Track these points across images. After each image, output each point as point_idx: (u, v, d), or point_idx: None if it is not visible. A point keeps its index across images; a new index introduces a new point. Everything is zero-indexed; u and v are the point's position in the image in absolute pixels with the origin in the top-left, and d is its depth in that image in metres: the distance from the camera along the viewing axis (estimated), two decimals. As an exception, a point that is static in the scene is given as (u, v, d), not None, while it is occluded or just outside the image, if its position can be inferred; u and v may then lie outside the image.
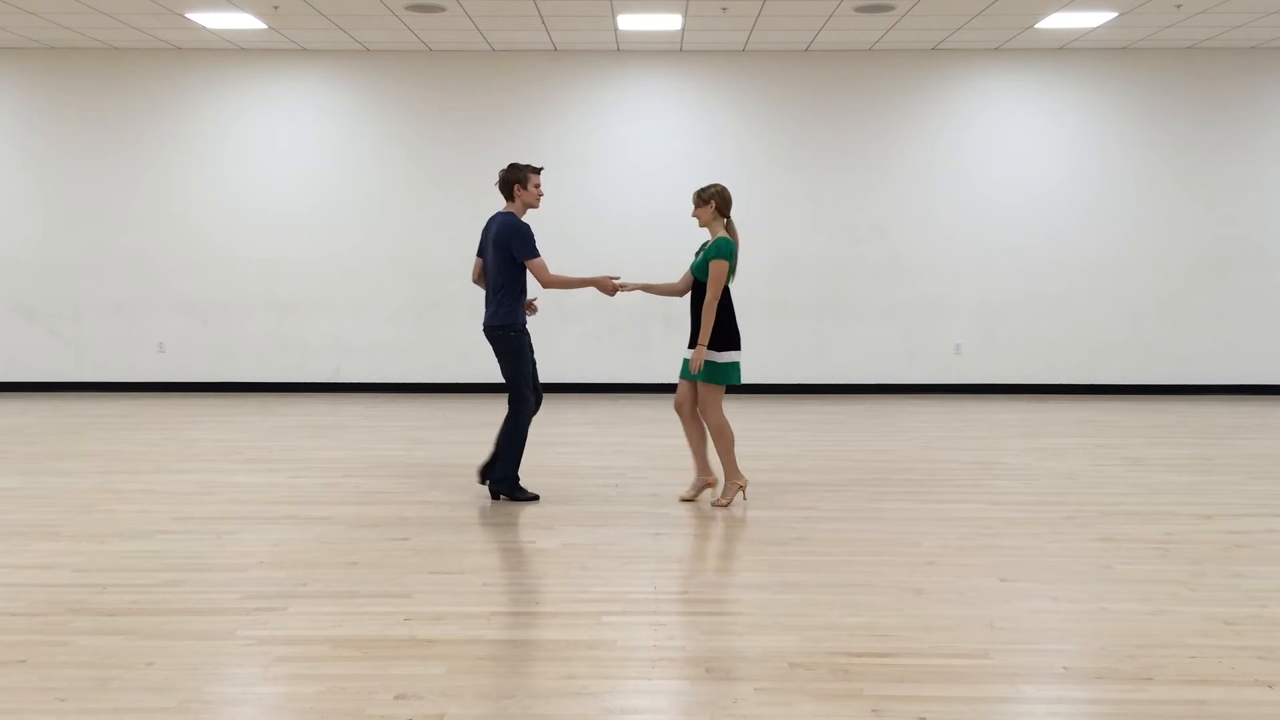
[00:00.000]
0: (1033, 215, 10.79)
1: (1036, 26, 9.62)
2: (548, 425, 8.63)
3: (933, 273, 10.84)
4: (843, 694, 3.42)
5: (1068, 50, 10.58)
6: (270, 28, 9.65)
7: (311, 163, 10.83)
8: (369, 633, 3.96)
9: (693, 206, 5.93)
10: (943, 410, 9.82)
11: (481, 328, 6.12)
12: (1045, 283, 10.83)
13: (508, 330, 5.97)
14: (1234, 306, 10.81)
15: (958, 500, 6.17)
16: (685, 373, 5.90)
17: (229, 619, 4.11)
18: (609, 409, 9.88)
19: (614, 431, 8.66)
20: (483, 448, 7.31)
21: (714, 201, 5.87)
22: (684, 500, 6.11)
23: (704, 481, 6.11)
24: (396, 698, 3.38)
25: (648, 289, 6.21)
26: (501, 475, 6.10)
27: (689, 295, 5.97)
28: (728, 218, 5.92)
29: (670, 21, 9.39)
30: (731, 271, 5.80)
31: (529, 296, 6.10)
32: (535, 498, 6.12)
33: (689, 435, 6.09)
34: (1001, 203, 10.80)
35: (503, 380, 6.11)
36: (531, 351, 6.13)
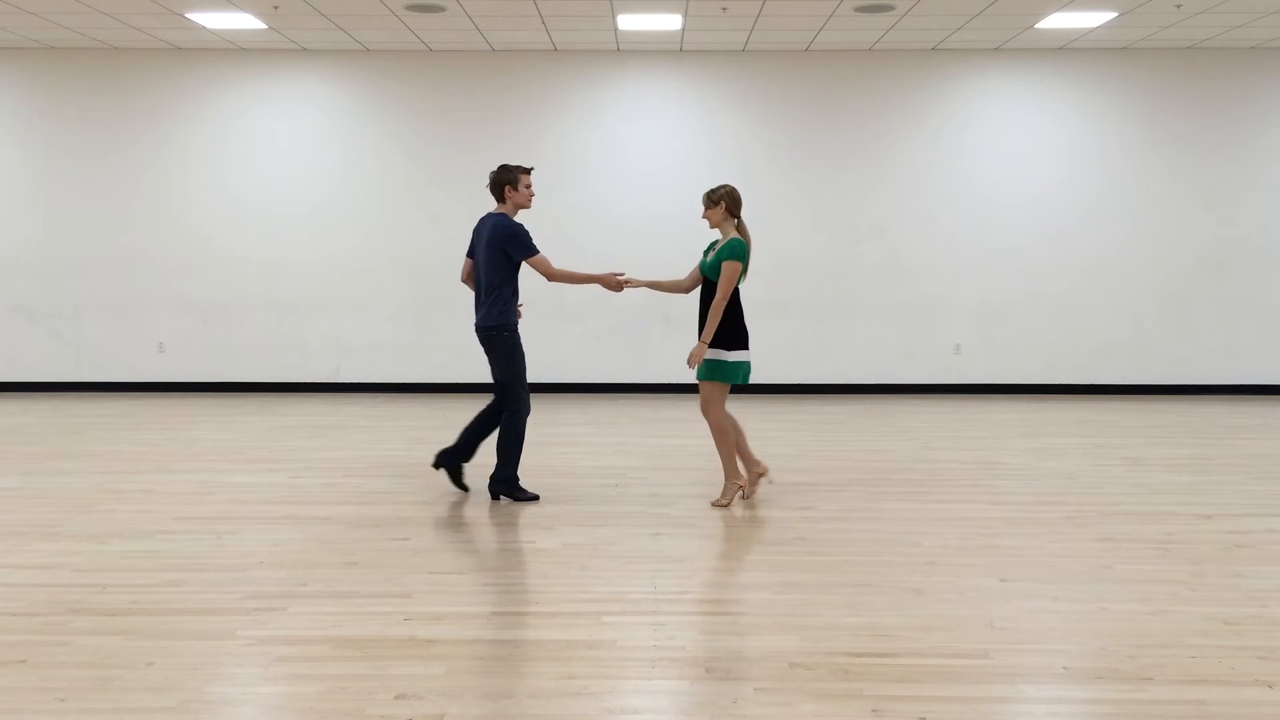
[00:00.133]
0: (1033, 215, 10.79)
1: (1036, 26, 9.62)
2: (547, 425, 8.63)
3: (933, 273, 10.84)
4: (843, 694, 3.42)
5: (1068, 50, 10.58)
6: (270, 28, 9.65)
7: (311, 163, 10.83)
8: (369, 633, 3.96)
9: (703, 208, 5.93)
10: (943, 410, 9.82)
11: (474, 328, 6.12)
12: (1045, 283, 10.82)
13: (501, 330, 5.97)
14: (1234, 306, 10.81)
15: (958, 500, 6.17)
16: (700, 373, 5.89)
17: (229, 619, 4.11)
18: (609, 409, 9.88)
19: (614, 431, 8.66)
20: (484, 447, 7.31)
21: (724, 202, 5.87)
22: (744, 498, 6.11)
23: (756, 474, 6.12)
24: (396, 698, 3.38)
25: (654, 286, 6.22)
26: (501, 476, 6.10)
27: (699, 296, 5.96)
28: (738, 218, 5.93)
29: (670, 21, 9.39)
30: (744, 272, 5.81)
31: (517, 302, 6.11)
32: (535, 498, 6.13)
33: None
34: (1001, 203, 10.79)
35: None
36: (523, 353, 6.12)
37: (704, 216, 5.94)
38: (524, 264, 6.00)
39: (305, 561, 4.89)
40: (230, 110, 10.77)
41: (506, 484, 6.11)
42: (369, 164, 10.83)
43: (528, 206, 6.07)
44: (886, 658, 3.73)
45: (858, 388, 10.94)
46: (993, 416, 9.47)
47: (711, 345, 5.80)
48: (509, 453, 6.08)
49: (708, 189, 5.96)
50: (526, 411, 6.09)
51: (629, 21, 9.39)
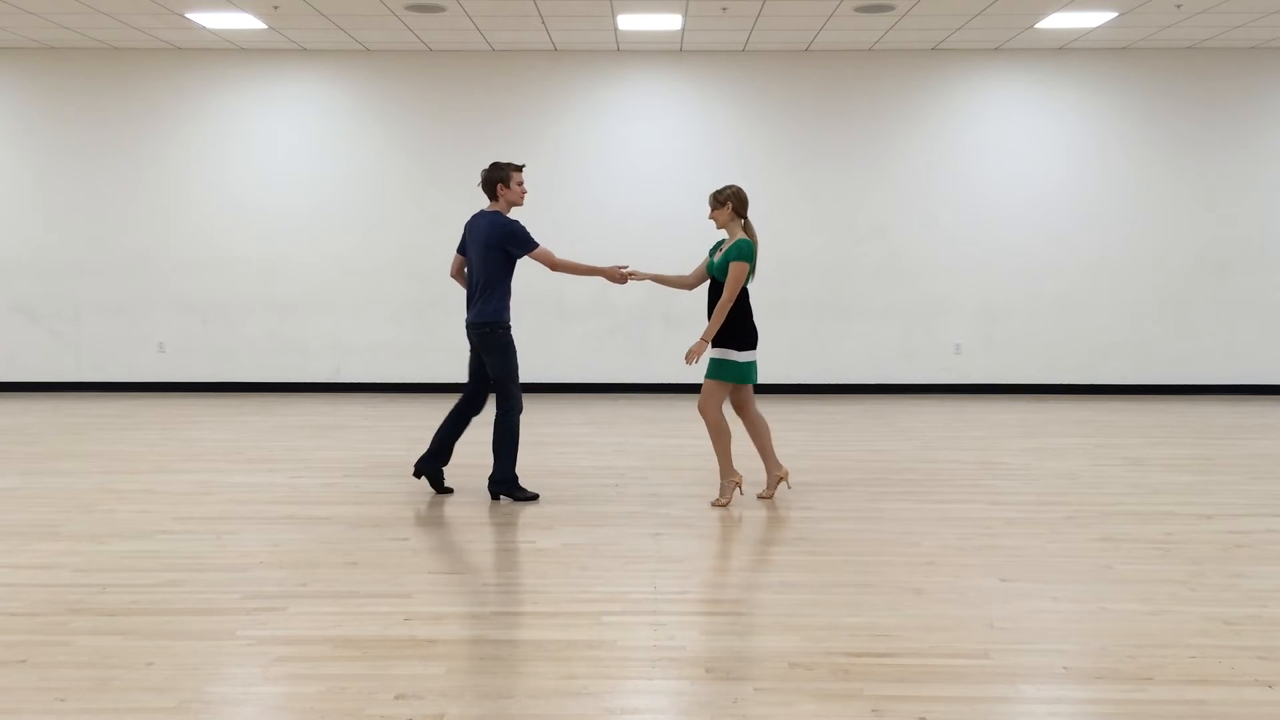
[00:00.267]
0: (1032, 215, 10.79)
1: (1036, 26, 9.62)
2: (547, 425, 8.64)
3: (933, 272, 10.84)
4: (843, 694, 3.42)
5: (1068, 50, 10.58)
6: (270, 28, 9.65)
7: (311, 163, 10.83)
8: (369, 633, 3.96)
9: (709, 209, 5.92)
10: (943, 410, 9.82)
11: (465, 325, 6.11)
12: (1045, 282, 10.82)
13: (495, 327, 5.97)
14: (1234, 306, 10.81)
15: (958, 500, 6.17)
16: (709, 371, 5.88)
17: (229, 619, 4.11)
18: (609, 409, 9.88)
19: (614, 431, 8.66)
20: (483, 448, 7.31)
21: (730, 203, 5.87)
22: (761, 498, 6.13)
23: (776, 477, 6.12)
24: (396, 698, 3.38)
25: (658, 279, 6.21)
26: (500, 476, 6.10)
27: (707, 296, 5.95)
28: (745, 218, 5.93)
29: (670, 21, 9.39)
30: (751, 272, 5.81)
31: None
32: (535, 497, 6.13)
33: (750, 435, 6.09)
34: (1001, 203, 10.79)
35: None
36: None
37: (711, 217, 5.94)
38: (526, 259, 5.99)
39: (305, 561, 4.89)
40: (230, 110, 10.77)
41: (506, 483, 6.10)
42: (369, 164, 10.83)
43: (520, 204, 6.07)
44: (886, 658, 3.73)
45: (858, 388, 10.94)
46: (993, 416, 9.47)
47: (721, 345, 5.81)
48: (506, 451, 6.07)
49: (714, 190, 5.96)
50: (520, 409, 6.08)
51: (629, 21, 9.39)
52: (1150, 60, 10.63)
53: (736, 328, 5.80)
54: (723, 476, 6.01)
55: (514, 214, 6.10)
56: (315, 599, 4.37)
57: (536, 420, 8.27)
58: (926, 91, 10.73)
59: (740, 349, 5.82)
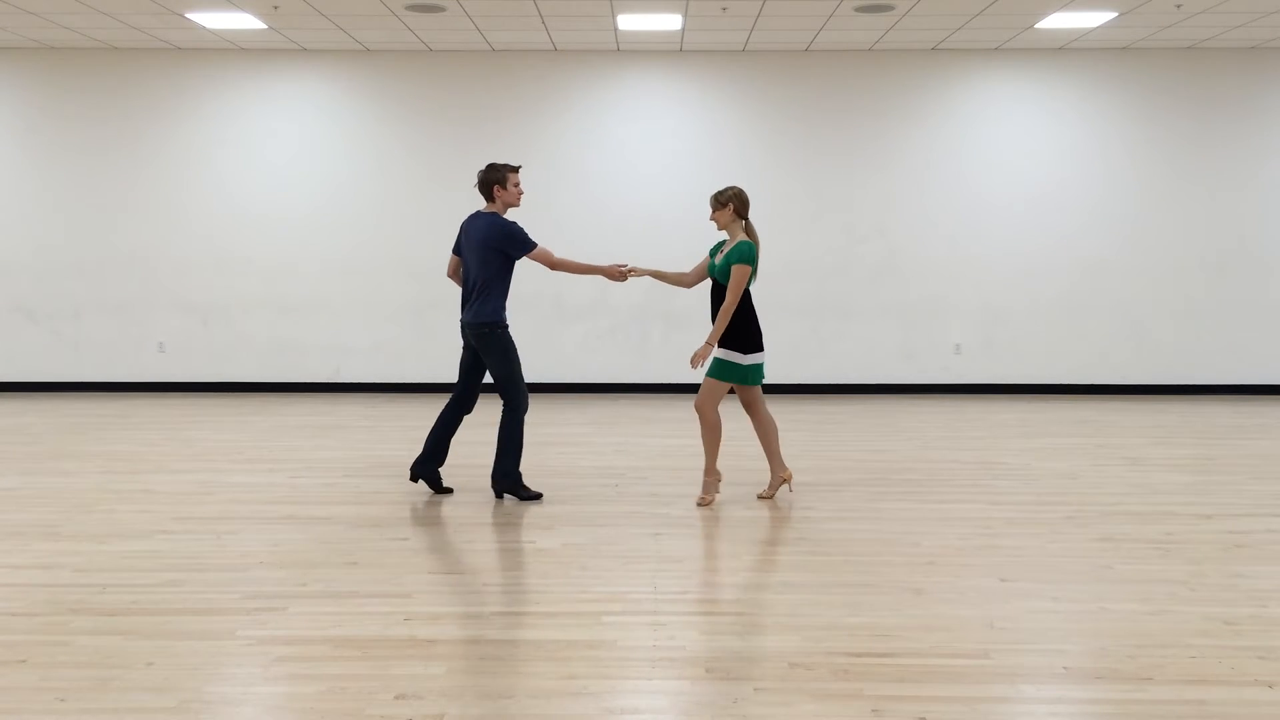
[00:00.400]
0: (1032, 215, 10.79)
1: (1036, 26, 9.62)
2: (547, 425, 8.64)
3: (932, 272, 10.84)
4: (843, 694, 3.42)
5: (1068, 50, 10.58)
6: (270, 28, 9.65)
7: (311, 163, 10.82)
8: (369, 633, 3.96)
9: (710, 210, 5.92)
10: (942, 410, 9.82)
11: (460, 324, 6.10)
12: (1045, 282, 10.82)
13: (494, 328, 5.97)
14: (1234, 306, 10.81)
15: (958, 500, 6.17)
16: (711, 370, 5.87)
17: (229, 619, 4.11)
18: (609, 409, 9.88)
19: (614, 431, 8.66)
20: (481, 447, 7.31)
21: (732, 204, 5.86)
22: (761, 498, 6.13)
23: (780, 478, 6.12)
24: (396, 698, 3.38)
25: (658, 276, 6.19)
26: (504, 474, 6.09)
27: (710, 297, 5.94)
28: (746, 219, 5.92)
29: (670, 21, 9.39)
30: (753, 274, 5.80)
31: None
32: (539, 496, 6.13)
33: (758, 434, 6.09)
34: (1001, 202, 10.79)
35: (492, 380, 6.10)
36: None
37: (712, 218, 5.93)
38: (525, 259, 5.98)
39: (305, 561, 4.89)
40: (230, 110, 10.77)
41: (509, 481, 6.10)
42: (369, 164, 10.83)
43: (517, 205, 6.06)
44: (886, 658, 3.73)
45: (857, 388, 10.94)
46: (993, 416, 9.47)
47: (725, 347, 5.81)
48: (510, 450, 6.07)
49: (715, 191, 5.95)
50: (525, 408, 6.08)
51: (629, 21, 9.39)
52: (1150, 60, 10.63)
53: (740, 330, 5.79)
54: (706, 474, 6.02)
55: (513, 214, 6.10)
56: (315, 599, 4.37)
57: (537, 420, 8.25)
58: (926, 91, 10.73)
59: (744, 351, 5.82)
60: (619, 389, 10.92)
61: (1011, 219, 10.80)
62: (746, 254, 5.76)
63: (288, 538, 5.30)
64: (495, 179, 5.99)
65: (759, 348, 5.87)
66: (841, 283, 10.86)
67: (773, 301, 10.41)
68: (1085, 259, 10.78)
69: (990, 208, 10.79)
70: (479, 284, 5.97)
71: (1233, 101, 10.66)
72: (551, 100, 10.75)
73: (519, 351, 6.08)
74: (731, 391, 5.99)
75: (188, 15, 9.19)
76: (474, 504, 6.07)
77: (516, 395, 6.04)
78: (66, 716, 3.27)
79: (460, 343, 6.24)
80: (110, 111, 10.75)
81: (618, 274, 6.07)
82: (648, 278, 6.25)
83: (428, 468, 6.22)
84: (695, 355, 5.80)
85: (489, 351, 6.01)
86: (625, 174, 10.79)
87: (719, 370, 5.85)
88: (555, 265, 6.02)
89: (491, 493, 6.19)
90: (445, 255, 10.55)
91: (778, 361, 10.65)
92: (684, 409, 9.28)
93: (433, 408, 9.81)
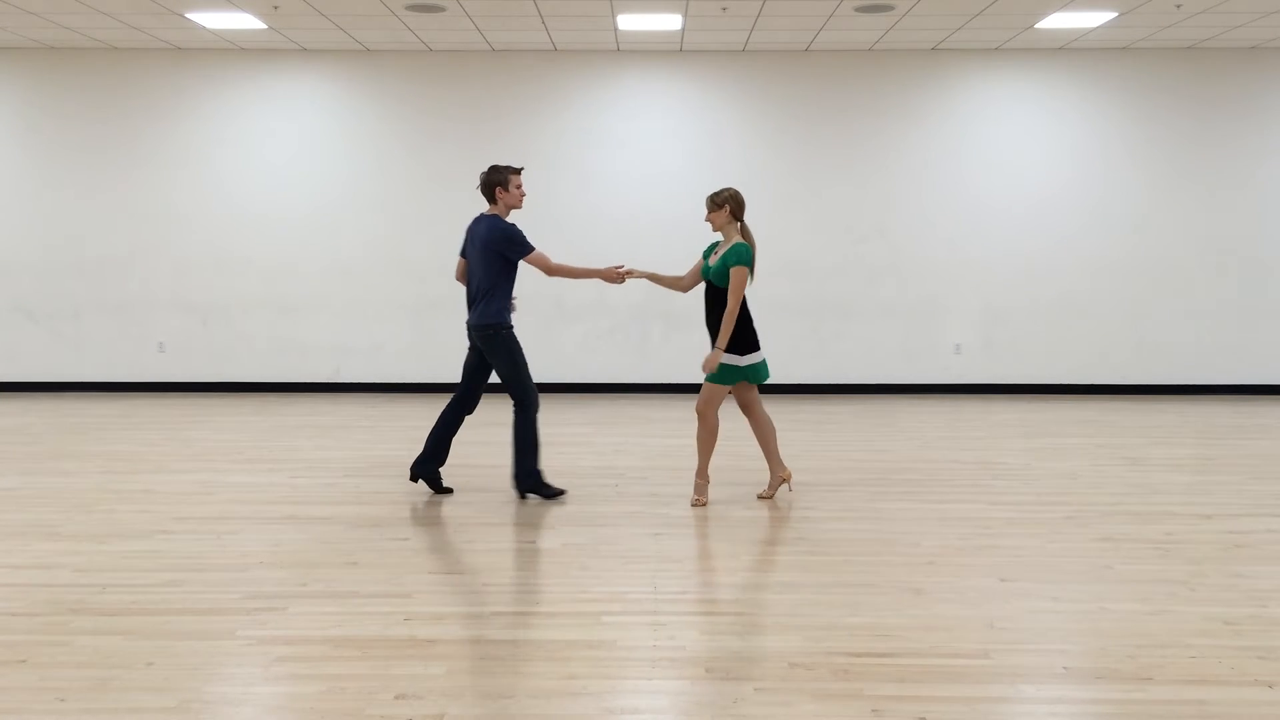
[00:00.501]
0: (1032, 215, 10.79)
1: (1036, 26, 9.62)
2: (547, 425, 8.60)
3: (932, 272, 10.84)
4: (843, 694, 3.42)
5: (1068, 50, 10.58)
6: (270, 28, 9.65)
7: (312, 163, 10.82)
8: (369, 633, 3.96)
9: (706, 211, 5.91)
10: (942, 410, 9.82)
11: (466, 327, 6.11)
12: (1045, 282, 10.82)
13: (499, 329, 5.98)
14: (1234, 306, 10.81)
15: (958, 500, 6.17)
16: (713, 377, 5.87)
17: (229, 619, 4.11)
18: (609, 409, 9.88)
19: (614, 431, 8.66)
20: (482, 447, 7.32)
21: (728, 205, 5.85)
22: (761, 498, 6.13)
23: (779, 478, 6.12)
24: (396, 698, 3.38)
25: (654, 279, 6.19)
26: (526, 473, 6.10)
27: (704, 299, 5.94)
28: (741, 221, 5.92)
29: (670, 21, 9.39)
30: (750, 275, 5.80)
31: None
32: (561, 493, 6.14)
33: (756, 435, 6.09)
34: (1001, 202, 10.79)
35: (500, 381, 6.10)
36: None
37: (707, 219, 5.92)
38: (523, 262, 6.00)
39: (305, 561, 4.89)
40: (230, 110, 10.77)
41: (531, 480, 6.11)
42: (369, 164, 10.83)
43: (519, 206, 6.08)
44: (886, 658, 3.73)
45: (857, 388, 10.94)
46: (993, 416, 9.47)
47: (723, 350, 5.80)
48: (527, 449, 6.08)
49: (711, 192, 5.95)
50: (536, 406, 6.09)
51: (629, 21, 9.39)
52: (1150, 60, 10.63)
53: (736, 333, 5.78)
54: (699, 476, 6.03)
55: (514, 213, 6.10)
56: (315, 599, 4.37)
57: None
58: (926, 91, 10.73)
59: (741, 352, 5.82)
60: (619, 389, 10.92)
61: (1011, 219, 10.80)
62: (744, 255, 5.76)
63: (288, 538, 5.30)
64: (497, 181, 6.00)
65: (755, 347, 5.87)
66: (841, 282, 10.86)
67: (773, 302, 10.42)
68: (1085, 259, 10.78)
69: (990, 208, 10.79)
70: (483, 287, 5.98)
71: (1233, 101, 10.65)
72: (551, 100, 10.75)
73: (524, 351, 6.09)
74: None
75: (188, 15, 9.19)
76: (474, 504, 6.07)
77: (525, 395, 6.05)
78: (66, 716, 3.27)
79: (466, 344, 6.23)
80: (110, 111, 10.75)
81: (615, 276, 6.07)
82: (645, 279, 6.25)
83: (428, 467, 6.22)
84: (706, 362, 5.79)
85: (494, 353, 6.02)
86: (625, 174, 10.78)
87: (719, 374, 5.84)
88: (551, 271, 6.02)
89: (492, 493, 6.20)
90: (445, 255, 10.64)
91: (778, 361, 10.64)
92: (684, 409, 9.28)
93: (433, 408, 9.81)
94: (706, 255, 5.97)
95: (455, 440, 6.29)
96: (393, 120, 10.80)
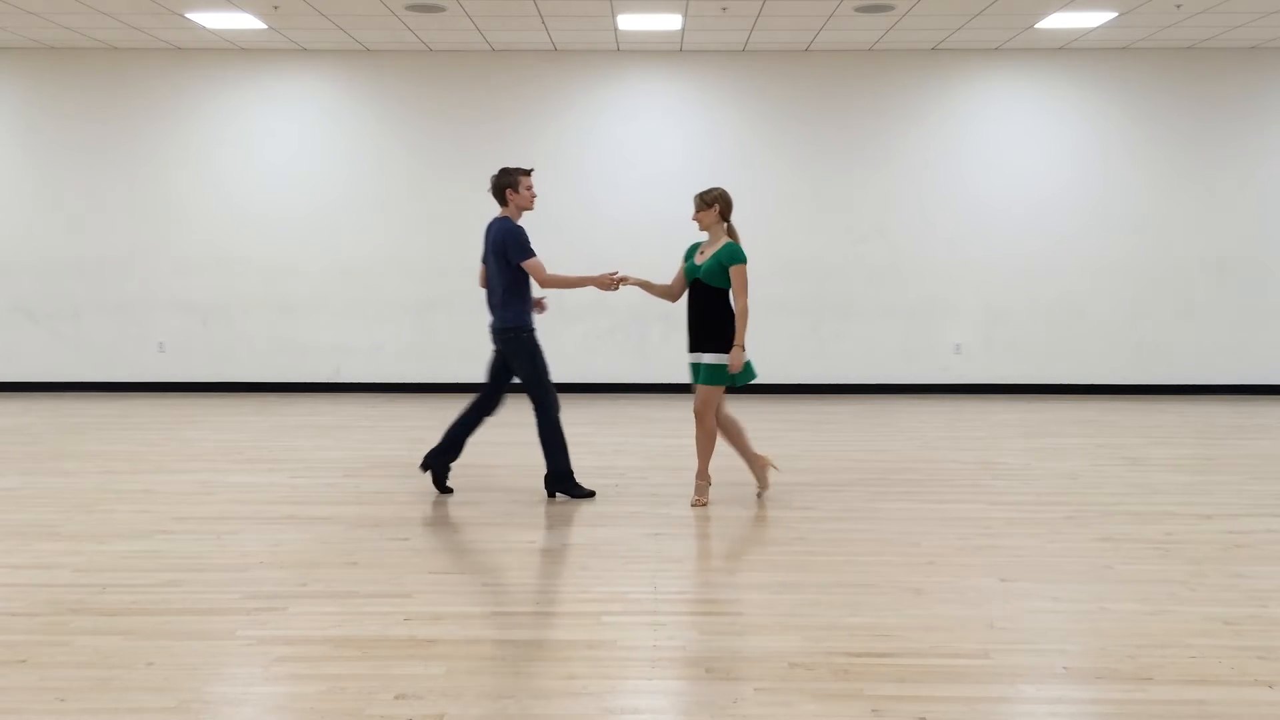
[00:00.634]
0: (1032, 215, 10.79)
1: (1036, 26, 9.62)
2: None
3: (932, 272, 10.84)
4: (843, 694, 3.42)
5: (1068, 50, 10.58)
6: (270, 28, 9.65)
7: (311, 163, 10.83)
8: (369, 633, 3.96)
9: (694, 210, 5.91)
10: (942, 410, 9.82)
11: (490, 331, 6.12)
12: (1045, 282, 10.82)
13: (519, 332, 5.99)
14: (1234, 306, 10.81)
15: (958, 500, 6.17)
16: (701, 377, 5.86)
17: (229, 619, 4.11)
18: (609, 409, 9.88)
19: (614, 431, 8.66)
20: (482, 447, 7.31)
21: (717, 205, 5.85)
22: (760, 495, 6.14)
23: (760, 467, 6.12)
24: (396, 698, 3.38)
25: (646, 287, 6.17)
26: (558, 475, 6.11)
27: (689, 302, 5.92)
28: (729, 221, 5.91)
29: (670, 21, 9.39)
30: None
31: (536, 296, 6.12)
32: (591, 494, 6.15)
33: (725, 437, 6.08)
34: (1001, 202, 10.79)
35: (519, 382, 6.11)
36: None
37: (695, 218, 5.91)
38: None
39: (305, 561, 4.89)
40: (230, 110, 10.77)
41: (561, 481, 6.11)
42: (369, 164, 10.83)
43: (530, 208, 6.08)
44: (886, 658, 3.73)
45: (857, 388, 10.94)
46: (993, 416, 9.47)
47: (715, 350, 5.79)
48: (555, 451, 6.08)
49: (699, 191, 5.95)
50: (556, 407, 6.09)
51: (629, 21, 9.39)
52: (1150, 60, 10.63)
53: (724, 331, 5.77)
54: (699, 477, 6.03)
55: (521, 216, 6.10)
56: (315, 599, 4.37)
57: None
58: (926, 91, 10.73)
59: (729, 352, 5.79)
60: (618, 389, 10.92)
61: (1011, 219, 10.80)
62: (739, 254, 5.76)
63: (288, 538, 5.30)
64: (507, 183, 6.00)
65: (741, 347, 5.86)
66: (841, 283, 10.86)
67: (773, 301, 10.43)
68: (1085, 258, 10.78)
69: (990, 208, 10.79)
70: (501, 289, 5.98)
71: (1233, 101, 10.66)
72: (551, 100, 10.75)
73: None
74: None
75: (188, 15, 9.19)
76: (474, 504, 6.07)
77: (545, 396, 6.06)
78: (66, 716, 3.27)
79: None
80: (110, 111, 10.75)
81: (609, 283, 6.04)
82: (637, 287, 6.24)
83: (440, 460, 6.22)
84: (731, 363, 5.76)
85: (515, 355, 6.03)
86: (625, 174, 10.78)
87: (712, 375, 5.82)
88: (544, 282, 6.00)
89: (492, 492, 6.21)
90: (445, 255, 10.72)
91: (777, 361, 10.71)
92: (683, 409, 9.27)
93: (433, 408, 9.85)
94: (689, 256, 5.95)
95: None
96: (393, 120, 10.80)
